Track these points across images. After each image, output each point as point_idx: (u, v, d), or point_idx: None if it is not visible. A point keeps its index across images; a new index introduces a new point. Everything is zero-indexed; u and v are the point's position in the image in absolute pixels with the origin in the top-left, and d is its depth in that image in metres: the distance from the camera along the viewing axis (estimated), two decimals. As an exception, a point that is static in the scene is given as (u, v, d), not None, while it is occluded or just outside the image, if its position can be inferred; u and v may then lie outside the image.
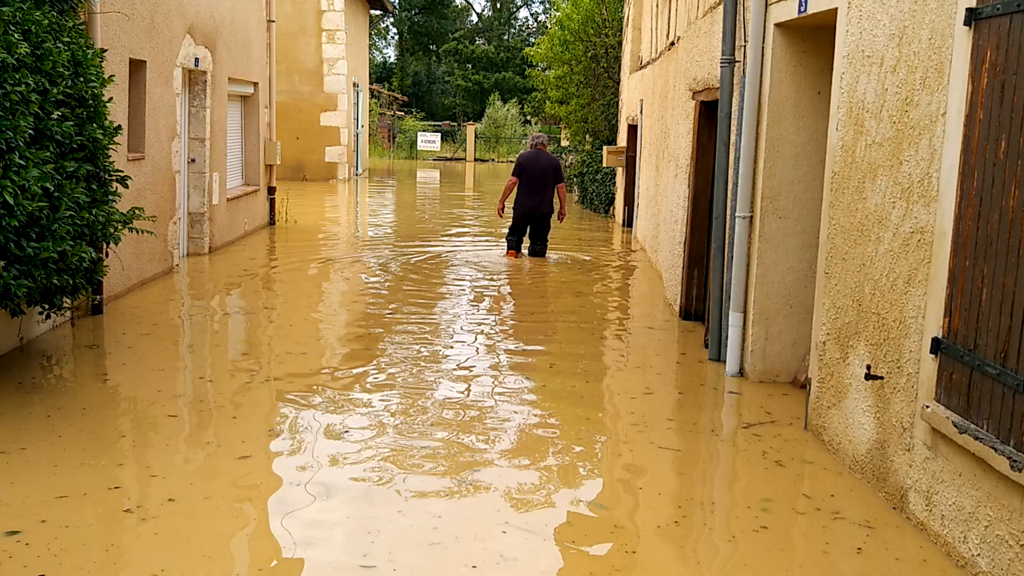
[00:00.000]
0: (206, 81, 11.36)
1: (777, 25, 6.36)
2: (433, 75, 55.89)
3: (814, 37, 6.31)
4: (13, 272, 5.29)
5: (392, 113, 41.60)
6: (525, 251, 12.65)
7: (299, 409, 5.79)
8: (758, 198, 6.60)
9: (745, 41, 6.68)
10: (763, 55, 6.53)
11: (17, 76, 5.24)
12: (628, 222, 16.33)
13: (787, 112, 6.45)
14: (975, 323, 3.86)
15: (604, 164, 17.19)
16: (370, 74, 33.39)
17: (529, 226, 12.51)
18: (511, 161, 37.39)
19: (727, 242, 7.05)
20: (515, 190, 12.56)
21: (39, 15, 5.79)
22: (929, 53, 4.34)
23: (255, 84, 13.99)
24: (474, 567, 3.77)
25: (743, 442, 5.51)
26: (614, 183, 18.31)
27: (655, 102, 12.71)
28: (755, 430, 5.66)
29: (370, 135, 31.75)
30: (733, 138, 7.01)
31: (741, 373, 6.83)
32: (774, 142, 6.48)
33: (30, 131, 5.32)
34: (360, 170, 27.90)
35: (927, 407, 4.16)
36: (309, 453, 5.01)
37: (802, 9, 5.88)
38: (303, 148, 23.76)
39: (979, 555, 3.77)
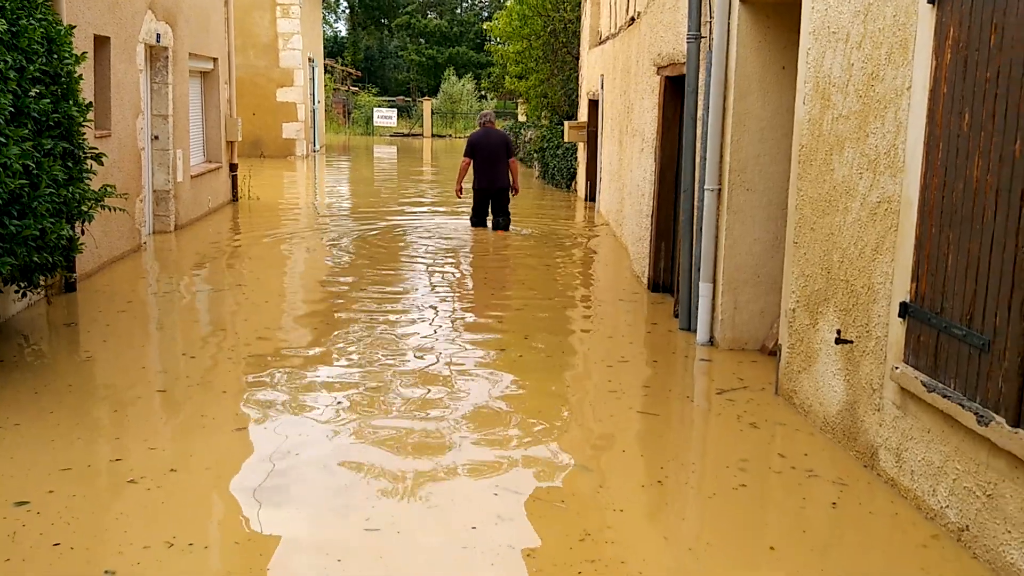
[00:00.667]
0: (168, 57, 11.28)
1: (742, 1, 6.53)
2: (386, 50, 55.47)
3: (778, 13, 6.49)
4: (-4, 250, 5.31)
5: (347, 88, 41.30)
6: (490, 224, 12.83)
7: (279, 381, 5.88)
8: (726, 171, 6.79)
9: (711, 17, 6.84)
10: (729, 31, 6.70)
11: (-5, 54, 5.25)
12: (590, 196, 16.50)
13: (753, 87, 6.63)
14: (941, 287, 4.08)
15: (565, 139, 17.33)
16: (323, 49, 33.10)
17: (490, 201, 12.78)
18: (468, 136, 37.56)
19: (695, 215, 7.25)
20: (470, 170, 12.82)
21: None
22: (894, 29, 4.53)
23: (215, 60, 13.90)
24: (474, 528, 3.92)
25: (718, 407, 5.73)
26: (575, 158, 18.47)
27: (616, 77, 12.86)
28: (728, 395, 5.88)
29: (326, 111, 31.52)
30: (700, 112, 7.18)
31: (711, 342, 7.05)
32: (741, 116, 6.67)
33: (10, 109, 5.32)
34: (318, 146, 27.74)
35: (896, 368, 4.39)
36: (301, 426, 5.12)
37: (769, -14, 6.05)
38: (260, 124, 23.56)
39: (947, 507, 4.01)
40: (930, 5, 4.18)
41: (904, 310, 4.35)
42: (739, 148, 6.71)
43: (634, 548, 3.83)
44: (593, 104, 16.45)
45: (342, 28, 59.38)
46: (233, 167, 15.08)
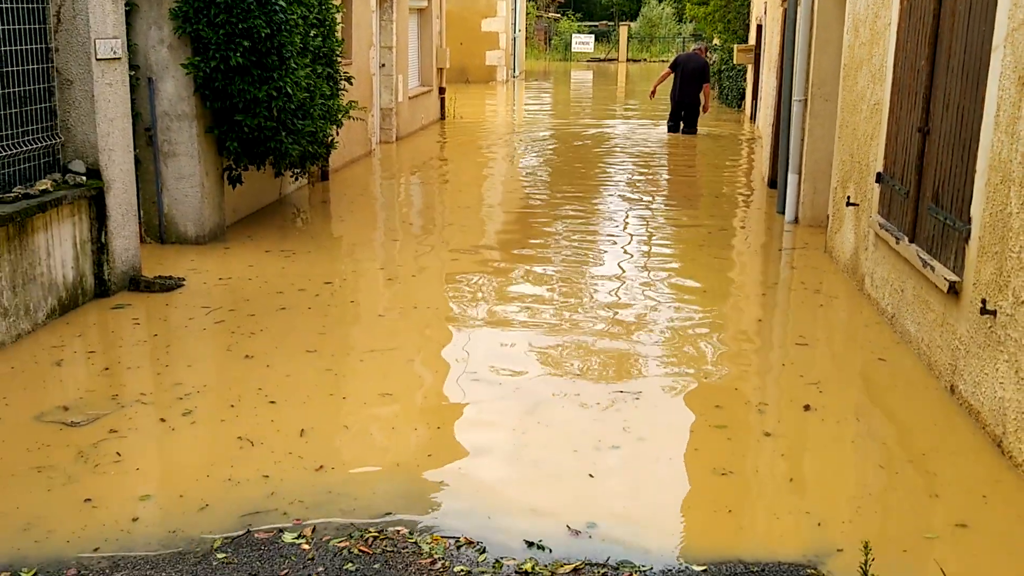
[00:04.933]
0: None
1: (824, -47, 8.43)
2: (591, -25, 56.99)
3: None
4: (290, 140, 8.15)
5: (548, 16, 43.52)
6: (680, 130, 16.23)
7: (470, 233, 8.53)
8: (810, 86, 8.76)
9: (805, -36, 8.76)
10: (816, -25, 8.61)
11: (292, 8, 8.00)
12: (754, 116, 18.24)
13: (831, 18, 8.54)
14: (893, 160, 6.11)
15: (735, 61, 19.04)
16: (528, -23, 35.39)
17: (683, 112, 16.07)
18: (663, 60, 39.14)
19: (791, 120, 9.25)
20: (670, 82, 16.20)
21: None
22: (888, -18, 6.47)
23: (429, -1, 16.62)
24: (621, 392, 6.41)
25: (775, 257, 7.92)
26: (745, 79, 20.11)
27: (775, 4, 14.57)
28: (789, 252, 8.03)
29: (527, 38, 33.97)
30: (797, 39, 9.13)
31: (796, 220, 9.11)
32: (821, 43, 8.60)
33: (300, 45, 8.10)
34: (517, 72, 30.34)
35: (872, 218, 6.45)
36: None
37: (835, -57, 7.96)
38: (465, 53, 26.36)
39: (887, 304, 6.11)
40: (900, -33, 6.12)
41: (879, 178, 6.40)
42: (819, 67, 8.66)
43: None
44: (759, 29, 18.05)
45: (549, -46, 61.26)
46: (442, 90, 17.88)
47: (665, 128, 16.67)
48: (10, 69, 5.70)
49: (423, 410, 4.74)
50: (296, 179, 9.84)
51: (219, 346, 5.59)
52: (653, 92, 17.16)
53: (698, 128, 16.27)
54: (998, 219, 4.38)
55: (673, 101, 16.25)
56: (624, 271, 7.34)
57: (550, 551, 3.41)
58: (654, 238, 8.64)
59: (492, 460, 4.19)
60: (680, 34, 41.28)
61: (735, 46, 18.89)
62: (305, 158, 9.03)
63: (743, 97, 20.29)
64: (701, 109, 16.13)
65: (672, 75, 16.17)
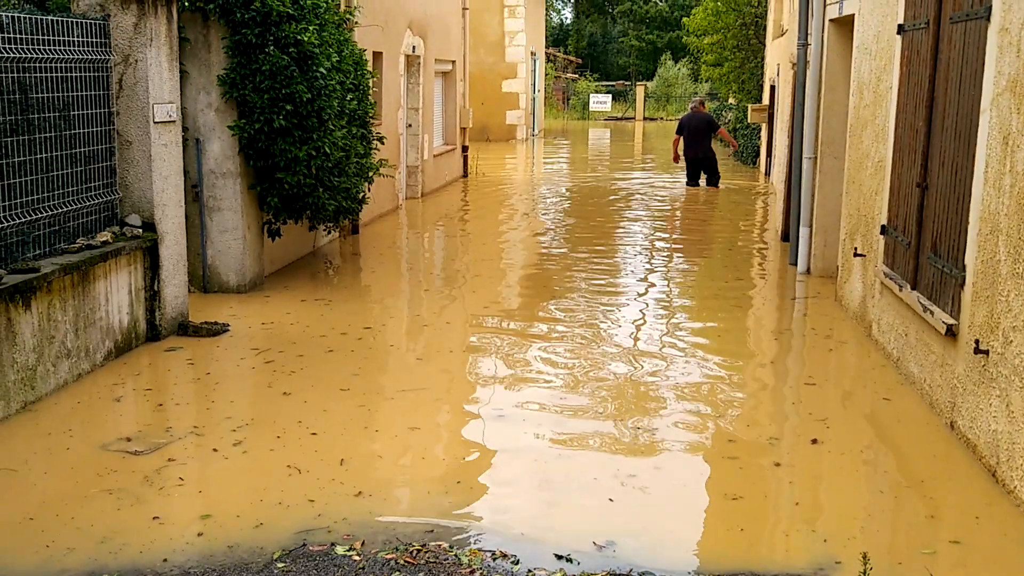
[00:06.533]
0: (419, 63, 14.71)
1: (831, 20, 8.92)
2: (609, 36, 58.22)
3: (851, 30, 8.83)
4: (327, 196, 8.65)
5: (566, 76, 44.50)
6: (703, 183, 17.01)
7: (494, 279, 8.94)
8: (819, 144, 9.20)
9: (811, 30, 9.26)
10: (823, 40, 9.10)
11: (331, 75, 8.54)
12: (768, 171, 18.72)
13: (838, 82, 9.01)
14: (896, 213, 6.51)
15: (749, 120, 19.58)
16: (547, 37, 36.21)
17: (700, 168, 16.87)
18: (678, 119, 40.05)
19: (801, 177, 9.68)
20: (681, 144, 17.09)
21: (337, 33, 9.09)
22: (887, 48, 6.93)
23: (453, 62, 17.30)
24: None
25: (789, 305, 8.29)
26: (759, 137, 20.64)
27: (787, 67, 15.12)
28: (802, 301, 8.40)
29: (545, 98, 34.78)
30: (806, 100, 9.60)
31: (808, 271, 9.49)
32: (829, 104, 9.07)
33: (338, 108, 8.64)
34: (536, 131, 31.06)
35: (878, 268, 6.83)
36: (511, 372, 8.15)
37: (840, 11, 8.46)
38: (487, 112, 27.07)
39: (892, 348, 6.46)
40: (899, 35, 6.58)
41: (883, 230, 6.79)
42: (828, 127, 9.11)
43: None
44: (772, 89, 18.61)
45: (568, 15, 62.74)
46: (465, 148, 18.48)
47: (684, 184, 17.31)
48: (77, 131, 6.23)
49: (449, 443, 5.11)
50: (329, 233, 10.33)
51: (262, 383, 6.00)
52: (676, 157, 17.81)
53: (720, 182, 16.99)
54: (989, 266, 4.76)
55: (688, 160, 17.01)
56: (644, 316, 7.74)
57: (578, 563, 3.76)
58: (672, 287, 9.04)
59: (517, 486, 4.56)
60: (696, 93, 42.11)
61: (749, 106, 19.45)
62: (339, 213, 9.50)
63: (758, 154, 20.81)
64: (730, 144, 17.20)
65: (681, 138, 17.02)
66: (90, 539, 3.96)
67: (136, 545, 3.91)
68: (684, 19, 25.68)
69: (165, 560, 3.80)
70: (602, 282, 9.22)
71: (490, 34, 27.08)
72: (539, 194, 16.37)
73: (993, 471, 4.56)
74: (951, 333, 5.18)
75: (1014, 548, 3.90)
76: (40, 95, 5.84)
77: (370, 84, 9.96)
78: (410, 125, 14.77)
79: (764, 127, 19.80)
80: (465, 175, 18.58)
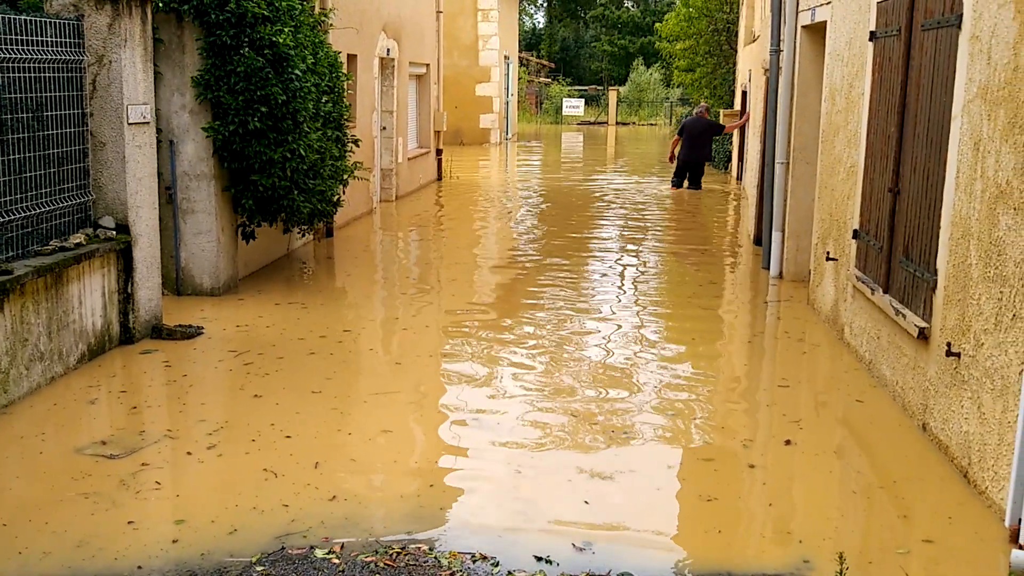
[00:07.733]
0: (394, 66, 14.68)
1: (803, 27, 9.02)
2: (581, 40, 58.43)
3: (823, 36, 8.93)
4: (302, 198, 8.61)
5: (540, 80, 44.59)
6: (685, 186, 17.40)
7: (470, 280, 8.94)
8: (791, 149, 9.29)
9: (783, 36, 9.35)
10: (795, 46, 9.19)
11: (306, 77, 8.51)
12: (740, 176, 18.86)
13: (810, 87, 9.10)
14: (868, 217, 6.59)
15: (725, 130, 19.71)
16: (520, 41, 36.21)
17: (688, 172, 17.20)
18: (652, 124, 40.44)
19: (774, 182, 9.77)
20: (679, 145, 17.37)
21: (312, 35, 9.06)
22: (859, 55, 7.01)
23: (427, 65, 17.29)
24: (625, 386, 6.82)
25: (762, 309, 8.37)
26: (731, 142, 20.79)
27: (759, 72, 15.25)
28: (774, 304, 8.48)
29: (519, 102, 34.82)
30: (779, 106, 9.69)
31: (780, 275, 9.57)
32: (802, 109, 9.16)
33: (313, 111, 8.61)
34: (510, 134, 31.09)
35: (850, 272, 6.91)
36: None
37: (813, 18, 8.55)
38: (460, 116, 27.06)
39: (864, 351, 6.54)
40: (870, 42, 6.67)
41: (855, 234, 6.87)
42: (800, 132, 9.20)
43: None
44: (744, 95, 18.77)
45: (541, 19, 62.82)
46: (439, 152, 18.47)
47: (669, 184, 17.70)
48: (50, 132, 6.17)
49: (423, 446, 5.11)
50: (303, 235, 10.28)
51: (236, 387, 5.97)
52: (671, 157, 18.10)
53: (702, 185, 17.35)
54: (960, 270, 4.84)
55: (680, 161, 17.40)
56: (617, 319, 7.77)
57: (557, 565, 3.78)
58: (645, 290, 9.09)
59: (492, 489, 4.57)
60: (668, 98, 42.32)
61: (721, 111, 19.59)
62: (314, 215, 9.46)
63: (729, 159, 20.96)
64: (744, 119, 17.37)
65: (681, 140, 17.38)
66: (65, 544, 3.92)
67: (112, 550, 3.88)
68: (656, 24, 25.85)
69: (140, 567, 3.77)
70: (575, 285, 9.26)
71: (464, 38, 27.08)
72: (512, 197, 16.39)
73: (965, 472, 4.63)
74: (923, 336, 5.25)
75: (986, 547, 3.96)
76: (12, 96, 5.78)
77: (345, 86, 9.93)
78: (384, 128, 14.74)
79: (736, 132, 19.95)
80: (439, 178, 18.56)
